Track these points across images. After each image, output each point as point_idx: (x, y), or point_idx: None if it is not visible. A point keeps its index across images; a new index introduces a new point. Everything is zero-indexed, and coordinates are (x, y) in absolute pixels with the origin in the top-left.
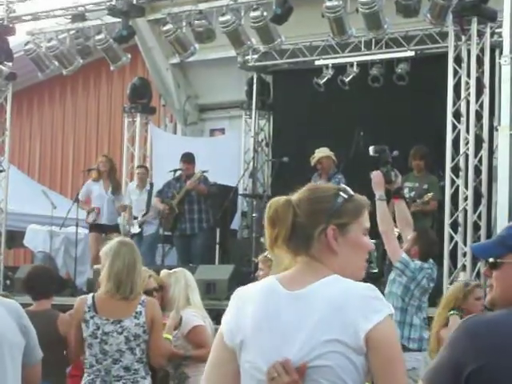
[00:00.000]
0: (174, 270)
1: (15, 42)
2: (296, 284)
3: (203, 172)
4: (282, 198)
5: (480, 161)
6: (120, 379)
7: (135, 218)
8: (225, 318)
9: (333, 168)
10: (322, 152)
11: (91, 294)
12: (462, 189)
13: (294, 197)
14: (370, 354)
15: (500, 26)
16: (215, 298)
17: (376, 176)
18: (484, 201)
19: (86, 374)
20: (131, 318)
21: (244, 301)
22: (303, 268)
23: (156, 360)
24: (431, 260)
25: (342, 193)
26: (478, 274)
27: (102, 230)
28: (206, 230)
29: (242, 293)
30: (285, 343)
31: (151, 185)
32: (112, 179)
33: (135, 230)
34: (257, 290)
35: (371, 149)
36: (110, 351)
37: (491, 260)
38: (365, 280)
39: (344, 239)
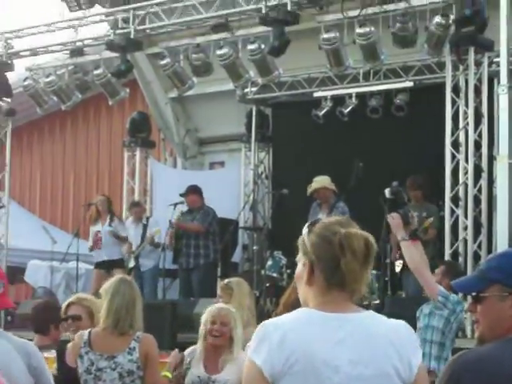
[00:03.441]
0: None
1: (14, 77)
2: (336, 309)
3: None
4: None
5: (479, 190)
6: None
7: (133, 252)
8: (260, 354)
9: (332, 197)
10: (318, 182)
11: (88, 330)
12: (461, 218)
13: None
14: None
15: (497, 56)
16: None
17: (395, 218)
18: (484, 230)
19: None
20: (124, 354)
21: (282, 332)
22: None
23: None
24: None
25: None
26: None
27: (106, 267)
28: (204, 265)
29: (274, 325)
30: (339, 371)
31: (147, 219)
32: (110, 214)
33: (131, 263)
34: (293, 318)
35: (387, 191)
36: None
37: (473, 294)
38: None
39: None
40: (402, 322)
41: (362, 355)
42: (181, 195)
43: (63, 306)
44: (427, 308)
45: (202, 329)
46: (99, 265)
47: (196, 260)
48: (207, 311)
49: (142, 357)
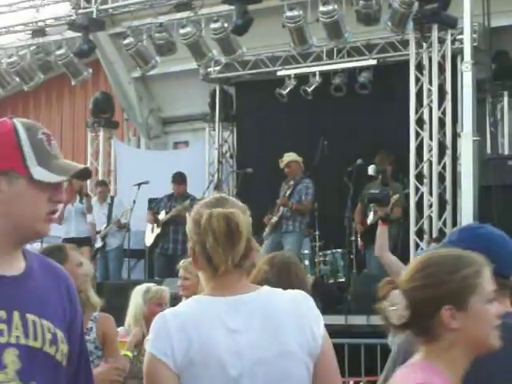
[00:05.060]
0: None
1: None
2: (229, 292)
3: (192, 201)
4: None
5: (444, 167)
6: None
7: (98, 232)
8: (159, 347)
9: (299, 173)
10: (290, 156)
11: None
12: (426, 196)
13: None
14: (317, 361)
15: (461, 33)
16: None
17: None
18: (449, 207)
19: None
20: None
21: (180, 321)
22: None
23: None
24: None
25: None
26: None
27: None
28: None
29: (172, 314)
30: (241, 357)
31: (112, 198)
32: (80, 192)
33: (98, 244)
34: (189, 307)
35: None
36: None
37: None
38: (333, 290)
39: None
40: (299, 292)
41: (263, 337)
42: (172, 182)
43: None
44: None
45: (142, 311)
46: (67, 241)
47: (184, 246)
48: (146, 293)
49: (99, 337)
